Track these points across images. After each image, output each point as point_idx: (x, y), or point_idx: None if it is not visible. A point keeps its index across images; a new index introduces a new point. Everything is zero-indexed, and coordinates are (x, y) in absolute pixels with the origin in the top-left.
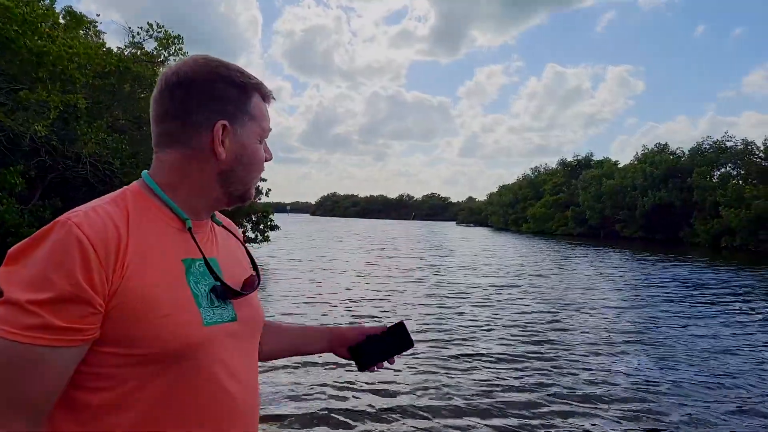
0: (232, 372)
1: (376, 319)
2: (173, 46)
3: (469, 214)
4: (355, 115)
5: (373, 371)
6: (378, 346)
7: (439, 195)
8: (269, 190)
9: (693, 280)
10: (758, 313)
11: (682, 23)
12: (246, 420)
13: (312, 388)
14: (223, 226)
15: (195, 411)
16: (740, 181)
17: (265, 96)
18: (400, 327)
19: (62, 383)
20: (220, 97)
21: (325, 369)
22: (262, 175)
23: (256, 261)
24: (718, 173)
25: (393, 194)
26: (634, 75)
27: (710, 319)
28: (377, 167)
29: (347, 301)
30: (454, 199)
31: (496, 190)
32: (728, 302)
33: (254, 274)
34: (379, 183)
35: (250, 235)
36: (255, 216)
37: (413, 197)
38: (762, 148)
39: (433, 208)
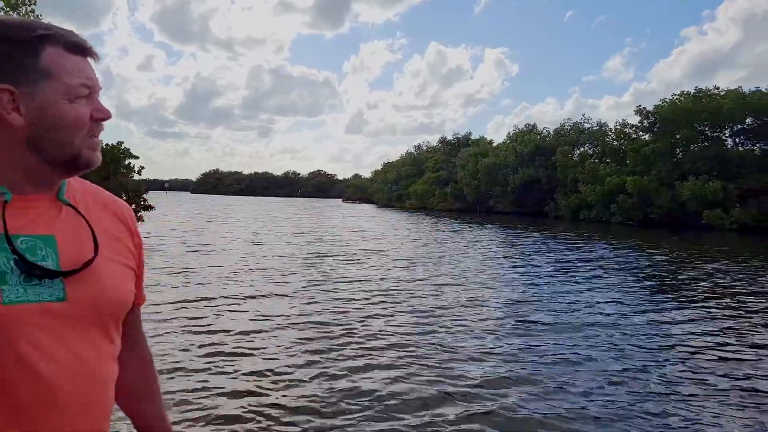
0: (50, 356)
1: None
2: (24, 7)
3: (355, 191)
4: (236, 88)
5: None
6: None
7: (325, 172)
8: (142, 167)
9: (550, 250)
10: (602, 278)
11: (552, 8)
12: (73, 409)
13: (190, 394)
14: (71, 206)
15: None
16: (596, 160)
17: (73, 46)
18: None
19: None
20: None
21: (207, 374)
22: (134, 152)
23: (98, 242)
24: (578, 152)
25: (279, 171)
26: (510, 57)
27: (571, 287)
28: (262, 143)
29: (232, 293)
30: (340, 176)
31: (381, 167)
32: (580, 269)
33: (94, 256)
34: (265, 160)
35: None
36: (126, 195)
37: (299, 174)
38: (614, 130)
39: (320, 186)
